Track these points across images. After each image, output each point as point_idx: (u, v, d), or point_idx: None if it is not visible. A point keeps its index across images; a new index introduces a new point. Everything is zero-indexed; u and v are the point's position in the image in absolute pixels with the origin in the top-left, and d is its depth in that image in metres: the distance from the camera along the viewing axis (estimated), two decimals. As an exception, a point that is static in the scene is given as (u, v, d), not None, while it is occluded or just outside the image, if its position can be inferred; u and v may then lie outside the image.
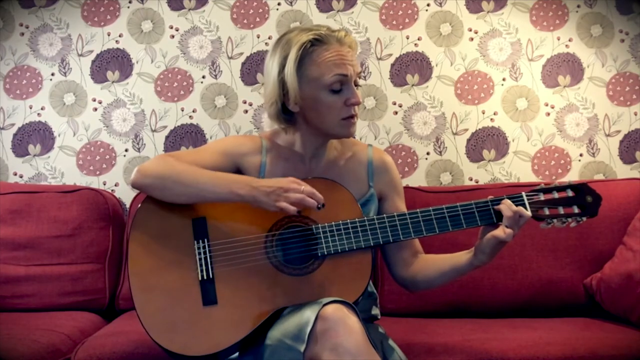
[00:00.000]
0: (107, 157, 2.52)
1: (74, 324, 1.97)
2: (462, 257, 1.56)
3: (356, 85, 1.57)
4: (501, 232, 1.45)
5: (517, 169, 2.45)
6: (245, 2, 2.54)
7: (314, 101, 1.55)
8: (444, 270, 1.58)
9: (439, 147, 2.47)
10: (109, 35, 2.56)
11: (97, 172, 2.52)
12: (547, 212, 1.52)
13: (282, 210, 1.43)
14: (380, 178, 1.68)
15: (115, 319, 2.07)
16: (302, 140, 1.64)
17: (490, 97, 2.47)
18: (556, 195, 1.54)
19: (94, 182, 2.51)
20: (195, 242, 1.51)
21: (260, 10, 2.53)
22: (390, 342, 1.58)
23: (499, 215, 1.49)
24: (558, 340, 1.70)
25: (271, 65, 1.57)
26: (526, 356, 1.63)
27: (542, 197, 1.53)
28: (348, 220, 1.52)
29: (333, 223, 1.51)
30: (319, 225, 1.51)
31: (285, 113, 1.59)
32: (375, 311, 1.69)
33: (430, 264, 1.62)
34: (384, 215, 1.54)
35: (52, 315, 2.04)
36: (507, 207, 1.47)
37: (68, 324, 1.95)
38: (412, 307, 2.11)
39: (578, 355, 1.63)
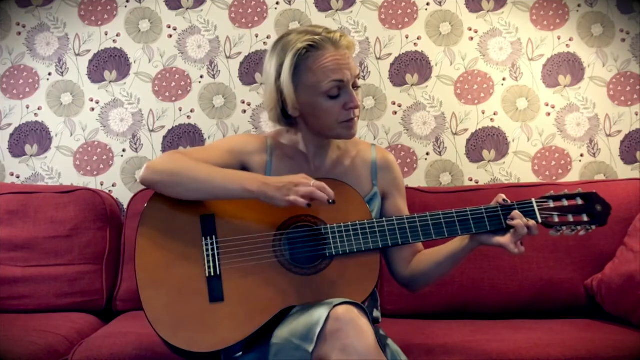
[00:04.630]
0: (105, 157, 2.51)
1: (71, 325, 1.96)
2: (454, 243, 1.57)
3: (355, 86, 1.56)
4: (514, 248, 1.48)
5: (517, 169, 2.44)
6: (244, 2, 2.52)
7: (312, 107, 1.55)
8: (439, 260, 1.59)
9: (439, 147, 2.46)
10: (106, 34, 2.54)
11: (95, 173, 2.51)
12: (556, 219, 1.53)
13: (292, 203, 1.41)
14: (384, 177, 1.69)
15: (112, 321, 2.06)
16: (305, 141, 1.65)
17: (490, 97, 2.46)
18: (566, 203, 1.54)
19: (91, 183, 2.49)
20: (203, 238, 1.51)
21: (259, 10, 2.52)
22: (393, 344, 1.57)
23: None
24: (558, 342, 1.69)
25: (269, 70, 1.58)
26: (526, 357, 1.63)
27: (551, 204, 1.54)
28: (357, 222, 1.52)
29: (342, 224, 1.51)
30: (328, 225, 1.51)
31: (286, 117, 1.60)
32: (376, 314, 1.69)
33: (425, 257, 1.63)
34: (393, 217, 1.53)
35: (49, 316, 2.03)
36: (520, 223, 1.47)
37: (65, 325, 1.93)
38: (412, 308, 2.10)
39: (578, 356, 1.63)
